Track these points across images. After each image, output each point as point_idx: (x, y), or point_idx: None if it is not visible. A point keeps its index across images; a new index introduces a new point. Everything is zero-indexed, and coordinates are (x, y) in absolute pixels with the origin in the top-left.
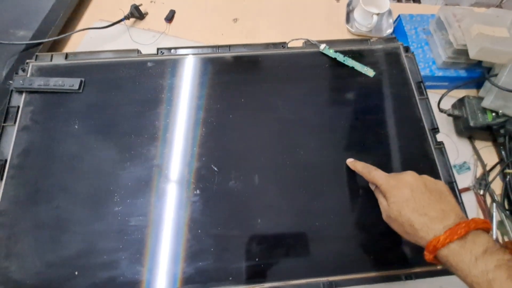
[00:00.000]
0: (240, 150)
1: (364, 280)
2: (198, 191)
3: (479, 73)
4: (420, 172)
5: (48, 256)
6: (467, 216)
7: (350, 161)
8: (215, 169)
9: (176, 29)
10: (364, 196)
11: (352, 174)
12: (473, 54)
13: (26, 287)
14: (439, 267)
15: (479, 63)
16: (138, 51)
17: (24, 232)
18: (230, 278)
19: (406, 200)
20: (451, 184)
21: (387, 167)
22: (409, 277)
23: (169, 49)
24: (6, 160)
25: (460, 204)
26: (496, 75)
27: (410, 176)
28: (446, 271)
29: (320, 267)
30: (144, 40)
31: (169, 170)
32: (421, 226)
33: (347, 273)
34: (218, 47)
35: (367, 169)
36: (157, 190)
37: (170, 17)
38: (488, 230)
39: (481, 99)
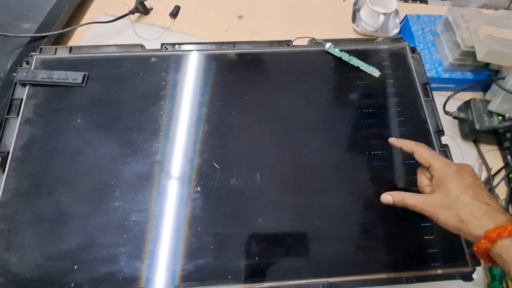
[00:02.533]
0: (242, 148)
1: (365, 282)
2: (199, 188)
3: (486, 76)
4: None
5: (48, 249)
6: None
7: (394, 139)
8: (217, 166)
9: (180, 25)
10: (366, 197)
11: (353, 174)
12: (481, 56)
13: (26, 280)
14: (438, 271)
15: (486, 65)
16: (142, 46)
17: (25, 225)
18: (229, 277)
19: (467, 188)
20: None
21: (390, 169)
22: (410, 280)
23: (173, 44)
24: (8, 152)
25: None
26: (503, 78)
27: (471, 168)
28: (448, 275)
29: (320, 267)
30: (148, 35)
31: (170, 167)
32: (482, 213)
33: (347, 274)
34: (222, 43)
35: (423, 147)
36: (158, 186)
37: (174, 13)
38: None
39: (487, 102)
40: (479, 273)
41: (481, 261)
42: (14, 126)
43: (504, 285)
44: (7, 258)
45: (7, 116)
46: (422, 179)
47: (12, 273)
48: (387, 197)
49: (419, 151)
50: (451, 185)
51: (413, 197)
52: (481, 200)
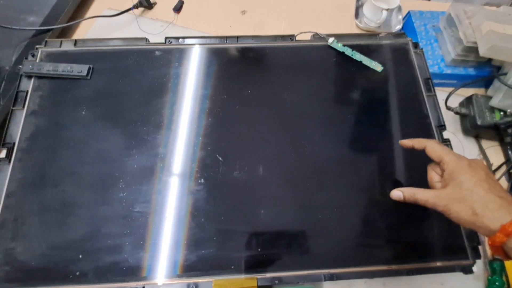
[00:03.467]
0: (245, 141)
1: (366, 274)
2: (202, 180)
3: (488, 72)
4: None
5: (53, 238)
6: None
7: (404, 140)
8: (220, 159)
9: (184, 20)
10: (368, 191)
11: (355, 168)
12: (483, 52)
13: (31, 268)
14: (438, 264)
15: (488, 61)
16: (146, 39)
17: (31, 215)
18: (232, 267)
19: (481, 180)
20: None
21: (392, 163)
22: (410, 272)
23: (177, 38)
24: (14, 143)
25: None
26: (505, 73)
27: (483, 162)
28: (448, 268)
29: (321, 259)
30: (152, 30)
31: (174, 159)
32: (498, 207)
33: (348, 266)
34: (226, 37)
35: (435, 142)
36: (162, 178)
37: (178, 7)
38: None
39: (489, 98)
40: (479, 266)
41: (481, 254)
42: (20, 118)
43: (504, 278)
44: (13, 247)
45: (13, 108)
46: (433, 174)
47: (18, 262)
48: (398, 193)
49: (431, 145)
50: (463, 178)
51: (425, 192)
52: (495, 193)
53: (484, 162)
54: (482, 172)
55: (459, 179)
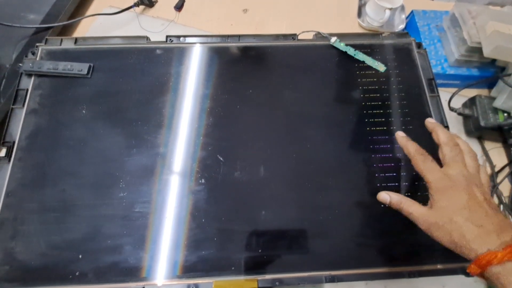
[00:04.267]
0: (247, 141)
1: (367, 276)
2: (203, 181)
3: (492, 73)
4: None
5: (53, 238)
6: None
7: (401, 136)
8: (221, 159)
9: (185, 18)
10: (370, 192)
11: (357, 169)
12: (487, 52)
13: (31, 268)
14: (439, 266)
15: (492, 62)
16: (147, 38)
17: (30, 214)
18: (233, 268)
19: (461, 208)
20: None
21: (394, 164)
22: (412, 274)
23: (178, 37)
24: (14, 142)
25: None
26: (509, 74)
27: (469, 180)
28: (449, 270)
29: (322, 260)
30: (153, 28)
31: (174, 159)
32: (474, 237)
33: (349, 268)
34: (227, 36)
35: (421, 157)
36: (163, 178)
37: (179, 6)
38: None
39: (493, 99)
40: None
41: None
42: (20, 116)
43: None
44: (13, 246)
45: (13, 106)
46: (414, 206)
47: (17, 261)
48: (385, 196)
49: (415, 162)
50: (444, 204)
51: (411, 206)
52: (475, 222)
53: (471, 179)
54: (464, 197)
55: (439, 204)
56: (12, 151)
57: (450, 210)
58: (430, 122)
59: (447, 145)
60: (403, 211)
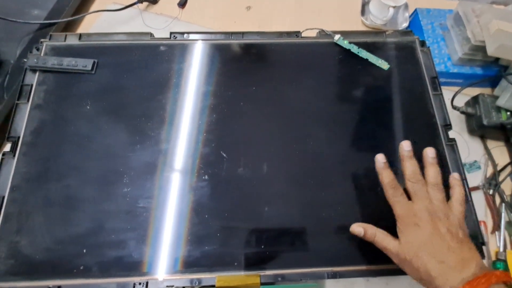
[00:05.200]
0: (250, 138)
1: (369, 272)
2: (206, 177)
3: (495, 71)
4: None
5: (57, 233)
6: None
7: (380, 161)
8: (224, 155)
9: (188, 15)
10: (372, 189)
11: (360, 167)
12: (491, 51)
13: (36, 262)
14: None
15: (495, 60)
16: (151, 34)
17: (35, 209)
18: (235, 264)
19: (424, 244)
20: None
21: (397, 162)
22: None
23: (182, 33)
24: (19, 137)
25: (470, 202)
26: None
27: (432, 213)
28: None
29: (325, 257)
30: (156, 25)
31: (178, 155)
32: (437, 274)
33: (351, 264)
34: (231, 33)
35: (392, 190)
36: (166, 174)
37: (183, 3)
38: (508, 283)
39: (496, 97)
40: None
41: (485, 254)
42: (25, 112)
43: None
44: (18, 240)
45: (18, 102)
46: (388, 239)
47: (22, 255)
48: (359, 230)
49: (389, 193)
50: (410, 239)
51: (384, 240)
52: (438, 257)
53: (435, 214)
54: (427, 232)
55: (406, 238)
56: (17, 146)
57: (415, 245)
58: (404, 150)
59: (409, 180)
60: (377, 244)
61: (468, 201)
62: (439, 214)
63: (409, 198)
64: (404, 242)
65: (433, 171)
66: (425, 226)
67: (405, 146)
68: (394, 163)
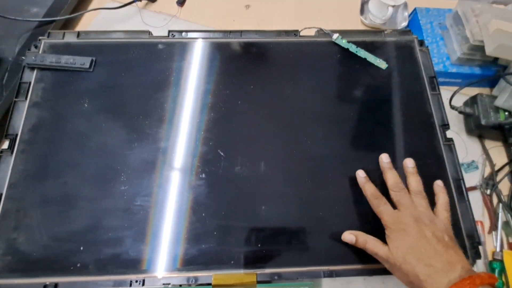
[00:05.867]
0: (247, 137)
1: (365, 271)
2: (203, 175)
3: (493, 71)
4: (427, 168)
5: (55, 230)
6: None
7: (361, 176)
8: (222, 154)
9: (187, 13)
10: None
11: (357, 166)
12: (490, 51)
13: (33, 259)
14: None
15: (494, 60)
16: (149, 32)
17: (33, 206)
18: (232, 262)
19: (412, 248)
20: (458, 181)
21: (395, 161)
22: None
23: (181, 32)
24: (16, 135)
25: (467, 202)
26: (511, 73)
27: (417, 219)
28: None
29: (321, 255)
30: (155, 23)
31: (175, 153)
32: (425, 277)
33: (348, 263)
34: (229, 32)
35: (376, 200)
36: (163, 172)
37: (182, 1)
38: (493, 285)
39: (494, 97)
40: (479, 266)
41: (481, 254)
42: (23, 109)
43: (503, 279)
44: (15, 237)
45: (16, 99)
46: (378, 244)
47: (20, 252)
48: (351, 237)
49: (374, 204)
50: (398, 244)
51: (375, 247)
52: (425, 261)
53: (420, 219)
54: (414, 237)
55: (394, 244)
56: (15, 143)
57: (403, 251)
58: (383, 162)
59: (392, 190)
60: (368, 251)
61: (466, 201)
62: (424, 219)
63: (394, 207)
64: (392, 248)
65: (414, 180)
66: (412, 231)
67: (384, 159)
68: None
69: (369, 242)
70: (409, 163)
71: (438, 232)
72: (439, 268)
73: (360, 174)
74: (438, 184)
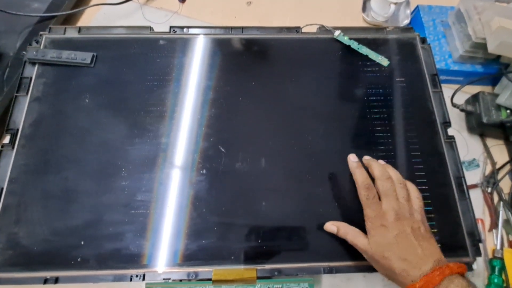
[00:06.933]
0: (248, 133)
1: (366, 268)
2: (204, 171)
3: (496, 69)
4: (428, 165)
5: (55, 224)
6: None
7: (352, 161)
8: (223, 150)
9: (189, 10)
10: None
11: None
12: (492, 48)
13: (34, 253)
14: None
15: (496, 58)
16: (150, 28)
17: (33, 200)
18: (232, 258)
19: (390, 244)
20: (459, 179)
21: (396, 158)
22: None
23: (182, 28)
24: (18, 130)
25: (468, 199)
26: None
27: (398, 213)
28: None
29: (321, 252)
30: (156, 19)
31: (176, 149)
32: (400, 271)
33: (348, 259)
34: (231, 28)
35: (365, 190)
36: (164, 168)
37: None
38: (462, 274)
39: (496, 95)
40: (479, 264)
41: (482, 252)
42: (24, 104)
43: (503, 276)
44: (16, 231)
45: (17, 94)
46: (359, 236)
47: (20, 246)
48: (332, 228)
49: (362, 196)
50: (378, 240)
51: (355, 238)
52: (401, 256)
53: (400, 213)
54: (393, 232)
55: (374, 239)
56: (15, 138)
57: (382, 245)
58: (366, 159)
59: (379, 179)
60: (349, 241)
61: (467, 199)
62: (404, 213)
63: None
64: (372, 242)
65: (393, 171)
66: (392, 227)
67: (365, 157)
68: (392, 160)
69: (350, 234)
70: (380, 160)
71: (416, 224)
72: (413, 262)
73: (352, 159)
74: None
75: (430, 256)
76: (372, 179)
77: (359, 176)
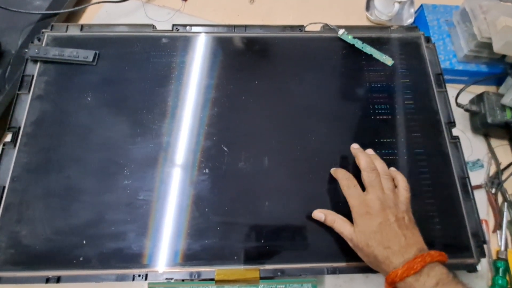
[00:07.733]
0: (251, 132)
1: (369, 269)
2: (207, 170)
3: (501, 69)
4: (433, 165)
5: (57, 223)
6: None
7: (355, 148)
8: (225, 149)
9: (191, 8)
10: None
11: None
12: (497, 48)
13: (35, 252)
14: None
15: (502, 58)
16: (153, 26)
17: (35, 199)
18: (235, 258)
19: (374, 232)
20: (464, 180)
21: (400, 158)
22: None
23: (185, 26)
24: (19, 128)
25: (472, 200)
26: None
27: (383, 203)
28: (452, 266)
29: (324, 252)
30: (158, 17)
31: (179, 148)
32: (383, 259)
33: (352, 260)
34: (234, 26)
35: (346, 182)
36: (167, 167)
37: None
38: (444, 262)
39: (501, 96)
40: (483, 265)
41: (486, 253)
42: (26, 102)
43: (507, 278)
44: (18, 230)
45: (19, 92)
46: (345, 224)
47: (22, 245)
48: (320, 215)
49: (344, 185)
50: (362, 229)
51: (342, 226)
52: (384, 244)
53: (385, 202)
54: (377, 221)
55: (359, 228)
56: (17, 136)
57: (366, 234)
58: (354, 148)
59: (365, 170)
60: (335, 229)
61: (472, 199)
62: (389, 203)
63: (363, 189)
64: (358, 231)
65: (380, 162)
66: (376, 215)
67: (354, 145)
68: (395, 160)
69: (337, 222)
70: (369, 151)
71: (400, 214)
72: (396, 250)
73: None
74: (392, 169)
75: (413, 245)
76: (359, 171)
77: (339, 172)
